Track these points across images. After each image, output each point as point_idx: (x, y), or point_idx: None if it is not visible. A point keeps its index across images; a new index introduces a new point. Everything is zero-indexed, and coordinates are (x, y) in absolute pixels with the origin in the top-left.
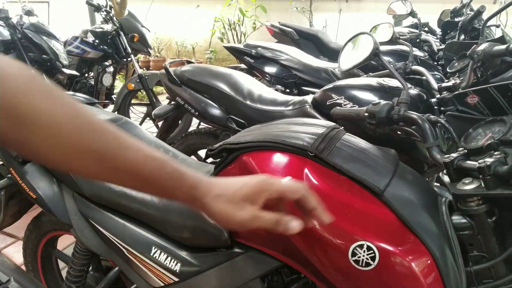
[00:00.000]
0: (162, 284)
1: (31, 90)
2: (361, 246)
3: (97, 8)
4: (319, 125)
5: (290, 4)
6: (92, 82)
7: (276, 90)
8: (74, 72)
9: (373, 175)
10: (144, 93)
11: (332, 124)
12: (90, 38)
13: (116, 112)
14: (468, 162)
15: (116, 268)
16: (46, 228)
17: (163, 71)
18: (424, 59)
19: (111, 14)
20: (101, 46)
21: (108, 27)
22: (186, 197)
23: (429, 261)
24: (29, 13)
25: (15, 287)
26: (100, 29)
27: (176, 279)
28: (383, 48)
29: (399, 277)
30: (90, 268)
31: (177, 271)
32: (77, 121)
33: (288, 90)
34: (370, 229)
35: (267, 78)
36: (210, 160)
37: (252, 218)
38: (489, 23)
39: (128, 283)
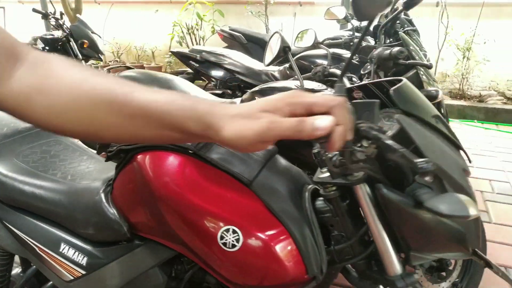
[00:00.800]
0: (72, 278)
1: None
2: (227, 230)
3: (45, 15)
4: None
5: (246, 9)
6: None
7: (223, 93)
8: None
9: (244, 168)
10: None
11: None
12: (40, 45)
13: None
14: (326, 154)
15: (34, 267)
16: None
17: None
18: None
19: (59, 21)
20: (52, 53)
21: (59, 33)
22: (200, 126)
23: (289, 243)
24: None
25: None
26: (51, 36)
27: (84, 272)
28: (316, 52)
29: (261, 257)
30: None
31: (84, 264)
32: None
33: (232, 93)
34: (236, 215)
35: (213, 82)
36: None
37: (271, 125)
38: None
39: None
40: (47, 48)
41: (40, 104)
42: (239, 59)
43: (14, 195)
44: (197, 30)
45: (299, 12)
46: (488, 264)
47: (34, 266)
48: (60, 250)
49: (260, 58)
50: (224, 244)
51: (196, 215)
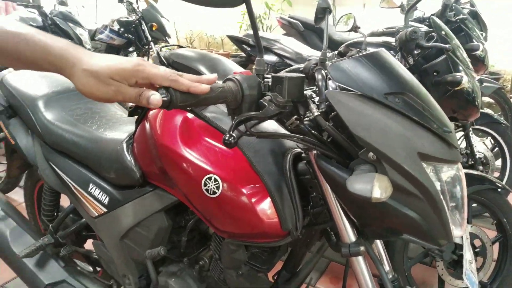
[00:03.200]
0: (97, 214)
1: None
2: (210, 178)
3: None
4: None
5: None
6: None
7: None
8: None
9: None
10: None
11: None
12: (116, 27)
13: None
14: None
15: (71, 205)
16: (37, 176)
17: (156, 54)
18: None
19: (133, 5)
20: (125, 34)
21: (133, 17)
22: (53, 68)
23: (266, 197)
24: (62, 3)
25: (1, 215)
26: (125, 19)
27: (105, 210)
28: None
29: (238, 206)
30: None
31: (106, 203)
32: None
33: None
34: (218, 166)
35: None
36: None
37: (116, 93)
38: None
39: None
40: (121, 29)
41: None
42: (290, 44)
43: (58, 140)
44: (265, 19)
45: (369, 2)
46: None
47: (71, 205)
48: (89, 189)
49: (316, 46)
50: (207, 190)
51: (186, 163)
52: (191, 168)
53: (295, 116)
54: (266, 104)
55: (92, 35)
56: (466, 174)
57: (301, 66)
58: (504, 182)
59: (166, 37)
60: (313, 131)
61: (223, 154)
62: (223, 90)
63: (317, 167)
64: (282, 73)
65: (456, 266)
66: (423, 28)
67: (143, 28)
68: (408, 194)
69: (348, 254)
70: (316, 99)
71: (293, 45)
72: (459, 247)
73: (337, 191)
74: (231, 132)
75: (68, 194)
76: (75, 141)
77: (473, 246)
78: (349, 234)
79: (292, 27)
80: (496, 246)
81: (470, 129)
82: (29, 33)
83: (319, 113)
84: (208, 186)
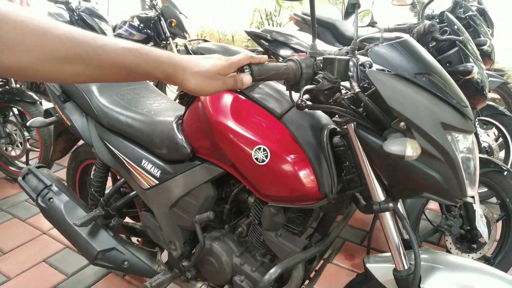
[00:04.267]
0: (148, 186)
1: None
2: (259, 149)
3: None
4: None
5: None
6: None
7: None
8: None
9: (277, 105)
10: None
11: None
12: (136, 22)
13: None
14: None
15: (122, 180)
16: (81, 157)
17: (183, 47)
18: None
19: (153, 2)
20: (145, 30)
21: (152, 13)
22: (165, 76)
23: (307, 165)
24: None
25: (55, 190)
26: (145, 15)
27: (157, 182)
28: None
29: (283, 172)
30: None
31: (158, 176)
32: (55, 32)
33: None
34: (266, 138)
35: (280, 60)
36: None
37: (223, 84)
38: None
39: (129, 189)
40: (141, 25)
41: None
42: (306, 39)
43: (112, 121)
44: (275, 16)
45: (378, 0)
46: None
47: (122, 180)
48: (142, 164)
49: (328, 41)
50: (256, 159)
51: (237, 138)
52: (243, 140)
53: (339, 94)
54: (320, 80)
55: (112, 30)
56: None
57: (332, 56)
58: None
59: (184, 33)
60: (351, 106)
61: (270, 129)
62: (287, 68)
63: (354, 136)
64: (332, 56)
65: (463, 241)
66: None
67: (162, 24)
68: (432, 157)
69: (379, 210)
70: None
71: (308, 40)
72: (466, 223)
73: (371, 155)
74: (301, 98)
75: (120, 169)
76: (129, 122)
77: None
78: (379, 194)
79: (305, 24)
80: (499, 225)
81: (476, 119)
82: (140, 47)
83: (359, 90)
84: (258, 156)
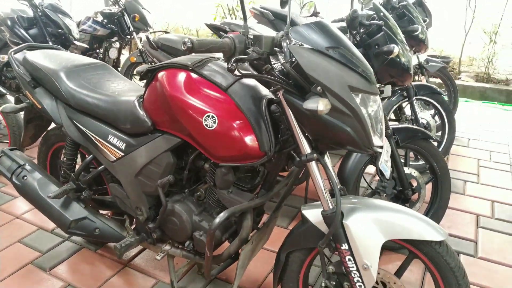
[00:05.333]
0: (115, 158)
1: None
2: (208, 116)
3: None
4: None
5: None
6: (102, 56)
7: None
8: (85, 45)
9: (223, 79)
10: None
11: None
12: (100, 18)
13: None
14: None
15: (91, 156)
16: (52, 140)
17: (146, 39)
18: None
19: None
20: (109, 25)
21: (115, 8)
22: None
23: (249, 128)
24: None
25: (28, 168)
26: (108, 10)
27: (122, 154)
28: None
29: (229, 135)
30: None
31: (123, 148)
32: None
33: None
34: (215, 107)
35: None
36: None
37: None
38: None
39: (98, 164)
40: (105, 21)
41: None
42: (262, 31)
43: (80, 102)
44: (237, 11)
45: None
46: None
47: (91, 156)
48: (108, 139)
49: None
50: (207, 125)
51: (191, 108)
52: (195, 110)
53: (268, 65)
54: (250, 52)
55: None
56: (405, 127)
57: (260, 34)
58: (443, 143)
59: (148, 27)
60: (280, 76)
61: (217, 100)
62: (223, 43)
63: (284, 100)
64: (260, 34)
65: (397, 201)
66: (370, 12)
67: (125, 19)
68: (343, 114)
69: (306, 160)
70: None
71: (264, 31)
72: (398, 184)
73: (298, 116)
74: (232, 63)
75: (89, 145)
76: (95, 102)
77: (410, 185)
78: (305, 147)
79: (263, 17)
80: (429, 187)
81: (414, 98)
82: None
83: (284, 61)
84: (207, 122)
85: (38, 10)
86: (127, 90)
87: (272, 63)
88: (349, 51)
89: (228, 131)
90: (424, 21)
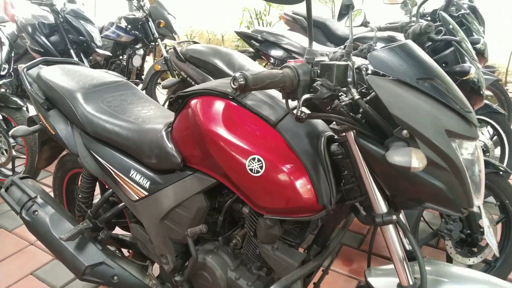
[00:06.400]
0: (137, 198)
1: None
2: (254, 159)
3: None
4: None
5: None
6: (125, 63)
7: None
8: (107, 53)
9: (271, 112)
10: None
11: None
12: (123, 24)
13: (144, 91)
14: None
15: (110, 190)
16: (68, 166)
17: (172, 50)
18: None
19: (141, 3)
20: (133, 31)
21: (139, 14)
22: None
23: (304, 175)
24: (71, 0)
25: (40, 202)
26: (132, 16)
27: (146, 193)
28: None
29: (279, 183)
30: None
31: (147, 187)
32: None
33: None
34: (261, 148)
35: (271, 61)
36: None
37: None
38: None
39: (118, 199)
40: (129, 26)
41: None
42: (297, 39)
43: (99, 130)
44: (265, 15)
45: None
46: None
47: (110, 190)
48: (130, 174)
49: (319, 41)
50: (251, 170)
51: (231, 147)
52: (236, 150)
53: (337, 101)
54: (318, 88)
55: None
56: None
57: (325, 58)
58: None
59: (173, 34)
60: (350, 113)
61: (264, 137)
62: (284, 75)
63: (354, 144)
64: (328, 61)
65: (463, 245)
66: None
67: (150, 25)
68: (436, 167)
69: (382, 223)
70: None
71: (299, 40)
72: (466, 226)
73: (372, 165)
74: (300, 109)
75: (108, 180)
76: (116, 130)
77: (479, 226)
78: (381, 205)
79: (296, 23)
80: (499, 227)
81: None
82: None
83: (359, 96)
84: (252, 166)
85: (60, 16)
86: (153, 116)
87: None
88: (444, 83)
89: (278, 178)
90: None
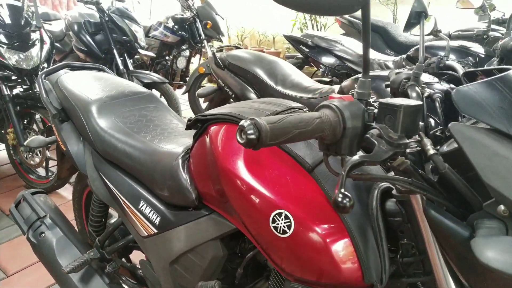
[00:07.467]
0: (146, 234)
1: None
2: (280, 214)
3: None
4: (280, 104)
5: None
6: (169, 64)
7: (331, 81)
8: (150, 53)
9: (308, 152)
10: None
11: (293, 104)
12: (170, 24)
13: (186, 94)
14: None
15: (119, 218)
16: (86, 182)
17: (211, 55)
18: (483, 57)
19: (188, 2)
20: (179, 32)
21: (188, 14)
22: None
23: (347, 242)
24: None
25: (48, 223)
26: (180, 16)
27: (156, 231)
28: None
29: (313, 250)
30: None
31: (157, 224)
32: None
33: (340, 82)
34: (291, 200)
35: (321, 69)
36: None
37: None
38: None
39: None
40: (176, 27)
41: None
42: (352, 46)
43: (109, 149)
44: (320, 17)
45: (434, 2)
46: None
47: (120, 218)
48: (139, 206)
49: (379, 48)
50: (276, 228)
51: (251, 193)
52: (258, 200)
53: (403, 159)
54: (375, 141)
55: (147, 32)
56: None
57: (383, 73)
58: None
59: (220, 35)
60: (420, 171)
61: (296, 185)
62: (321, 122)
63: (421, 212)
64: (394, 100)
65: None
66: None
67: (197, 25)
68: None
69: None
70: None
71: (355, 47)
72: None
73: (445, 245)
74: (342, 190)
75: (117, 209)
76: (128, 152)
77: None
78: None
79: (352, 27)
80: None
81: None
82: None
83: (436, 151)
84: (278, 224)
85: (105, 15)
86: (174, 136)
87: None
88: None
89: (311, 243)
90: None
